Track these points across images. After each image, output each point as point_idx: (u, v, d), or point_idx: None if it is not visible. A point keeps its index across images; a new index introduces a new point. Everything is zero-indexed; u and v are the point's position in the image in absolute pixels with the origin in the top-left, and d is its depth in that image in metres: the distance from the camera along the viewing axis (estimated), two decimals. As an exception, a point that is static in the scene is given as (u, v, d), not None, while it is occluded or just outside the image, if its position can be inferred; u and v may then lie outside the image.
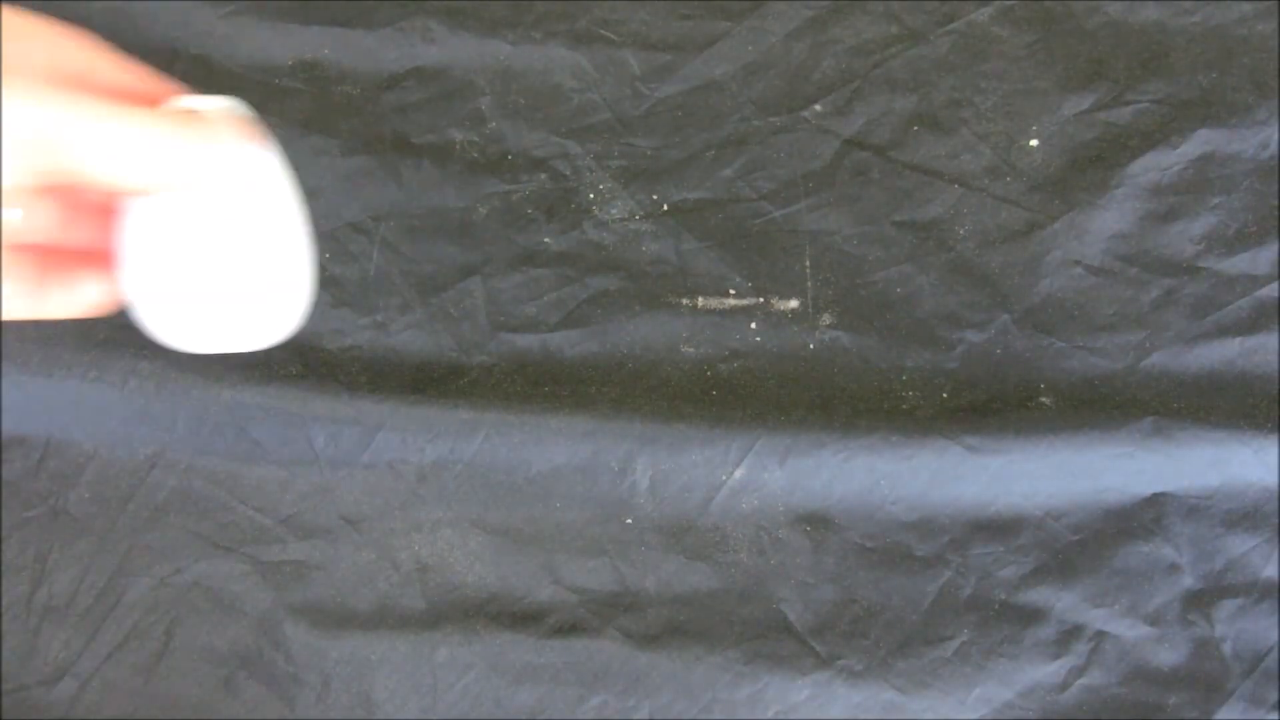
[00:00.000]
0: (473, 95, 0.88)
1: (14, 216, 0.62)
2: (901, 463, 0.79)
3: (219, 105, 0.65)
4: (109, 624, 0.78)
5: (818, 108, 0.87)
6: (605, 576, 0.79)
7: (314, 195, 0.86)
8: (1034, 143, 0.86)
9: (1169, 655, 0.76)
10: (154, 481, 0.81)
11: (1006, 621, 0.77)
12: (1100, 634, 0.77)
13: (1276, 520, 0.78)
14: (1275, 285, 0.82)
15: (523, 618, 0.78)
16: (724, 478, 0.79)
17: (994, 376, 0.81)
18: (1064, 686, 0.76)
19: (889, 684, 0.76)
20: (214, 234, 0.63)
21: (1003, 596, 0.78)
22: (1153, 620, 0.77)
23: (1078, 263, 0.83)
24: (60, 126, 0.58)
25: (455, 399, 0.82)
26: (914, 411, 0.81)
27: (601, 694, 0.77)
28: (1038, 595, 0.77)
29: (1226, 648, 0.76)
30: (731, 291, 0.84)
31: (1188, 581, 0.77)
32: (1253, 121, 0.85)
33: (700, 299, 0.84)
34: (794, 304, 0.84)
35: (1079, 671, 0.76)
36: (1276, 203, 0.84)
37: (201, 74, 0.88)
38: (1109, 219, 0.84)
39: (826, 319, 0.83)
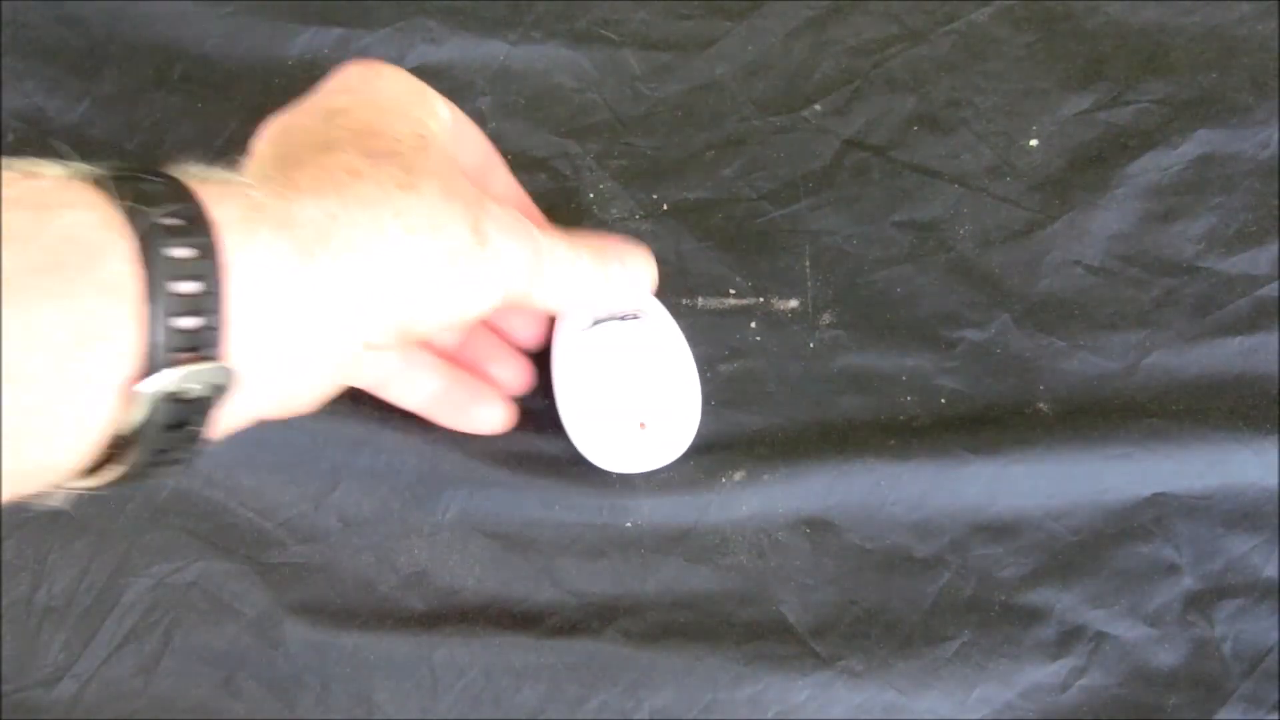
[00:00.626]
0: (472, 95, 0.88)
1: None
2: (901, 464, 0.79)
3: (627, 246, 0.75)
4: (109, 624, 0.78)
5: (818, 107, 0.87)
6: (605, 579, 0.79)
7: (313, 195, 0.86)
8: (1034, 142, 0.86)
9: (1169, 656, 0.77)
10: (153, 483, 0.81)
11: (1007, 622, 0.77)
12: (1100, 635, 0.77)
13: (1276, 520, 0.78)
14: (1275, 285, 0.82)
15: (522, 619, 0.78)
16: (723, 480, 0.79)
17: (994, 376, 0.81)
18: (1064, 687, 0.76)
19: (890, 685, 0.76)
20: (631, 364, 0.77)
21: (1003, 597, 0.78)
22: (1153, 621, 0.77)
23: (1078, 262, 0.83)
24: (534, 265, 0.63)
25: (455, 399, 0.82)
26: (914, 412, 0.81)
27: (601, 694, 0.77)
28: (1038, 596, 0.77)
29: (1226, 648, 0.77)
30: (731, 291, 0.84)
31: (1188, 582, 0.77)
32: (1253, 121, 0.85)
33: (700, 299, 0.84)
34: (794, 304, 0.84)
35: (1079, 672, 0.76)
36: (1276, 202, 0.84)
37: (201, 74, 0.88)
38: (1109, 219, 0.84)
39: (826, 319, 0.83)
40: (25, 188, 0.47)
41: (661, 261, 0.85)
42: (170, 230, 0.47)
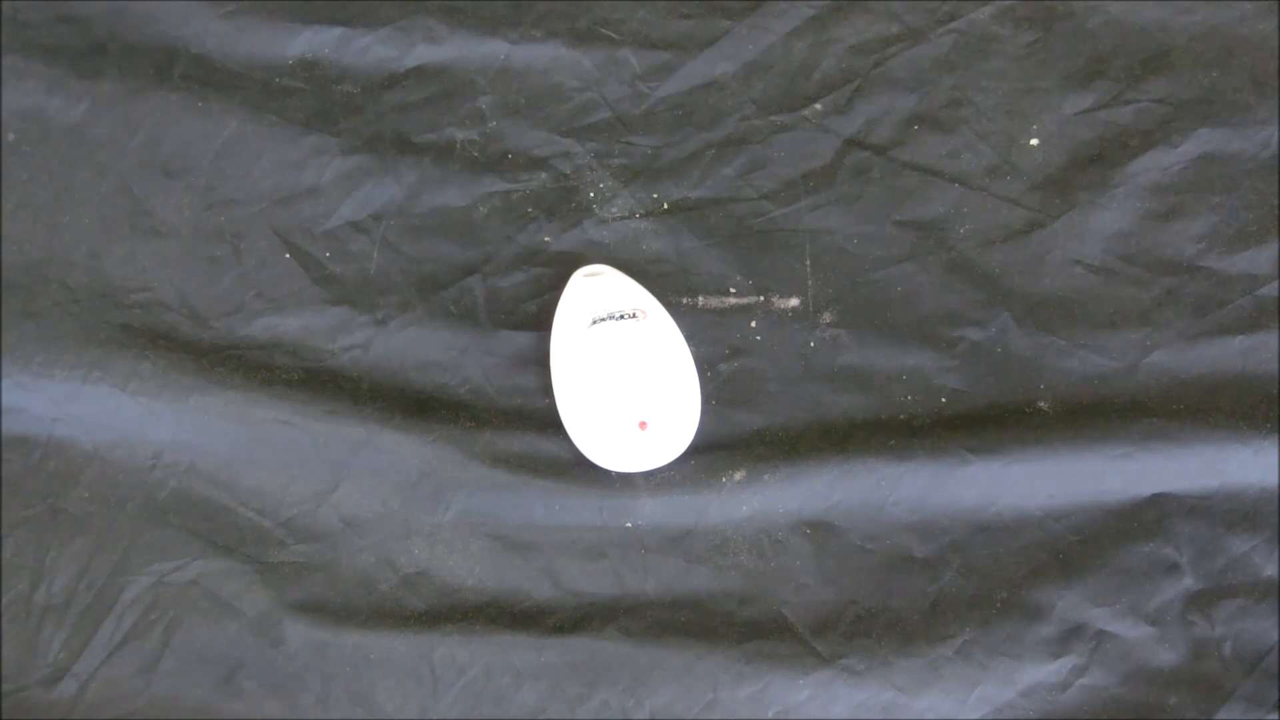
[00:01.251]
0: (473, 94, 0.88)
1: None
2: (902, 464, 0.79)
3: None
4: (108, 623, 0.78)
5: (818, 107, 0.87)
6: (605, 579, 0.79)
7: (314, 194, 0.86)
8: (1034, 142, 0.86)
9: (1169, 655, 0.77)
10: (154, 482, 0.81)
11: (1008, 621, 0.77)
12: (1101, 633, 0.77)
13: (1277, 520, 0.78)
14: (1276, 284, 0.82)
15: (522, 618, 0.78)
16: (724, 479, 0.79)
17: (995, 375, 0.81)
18: (1065, 686, 0.76)
19: (890, 684, 0.76)
20: (631, 364, 0.78)
21: (1004, 596, 0.78)
22: (1153, 620, 0.77)
23: (1078, 262, 0.83)
24: None
25: (456, 405, 0.82)
26: (915, 411, 0.81)
27: (602, 693, 0.77)
28: (1039, 595, 0.77)
29: (1226, 648, 0.77)
30: (732, 290, 0.84)
31: (1188, 581, 0.77)
32: (1253, 121, 0.85)
33: (701, 297, 0.84)
34: (794, 302, 0.84)
35: (1080, 671, 0.76)
36: (1277, 202, 0.84)
37: (201, 73, 0.88)
38: (1109, 218, 0.84)
39: (827, 317, 0.83)
40: None
41: (662, 260, 0.86)
42: None
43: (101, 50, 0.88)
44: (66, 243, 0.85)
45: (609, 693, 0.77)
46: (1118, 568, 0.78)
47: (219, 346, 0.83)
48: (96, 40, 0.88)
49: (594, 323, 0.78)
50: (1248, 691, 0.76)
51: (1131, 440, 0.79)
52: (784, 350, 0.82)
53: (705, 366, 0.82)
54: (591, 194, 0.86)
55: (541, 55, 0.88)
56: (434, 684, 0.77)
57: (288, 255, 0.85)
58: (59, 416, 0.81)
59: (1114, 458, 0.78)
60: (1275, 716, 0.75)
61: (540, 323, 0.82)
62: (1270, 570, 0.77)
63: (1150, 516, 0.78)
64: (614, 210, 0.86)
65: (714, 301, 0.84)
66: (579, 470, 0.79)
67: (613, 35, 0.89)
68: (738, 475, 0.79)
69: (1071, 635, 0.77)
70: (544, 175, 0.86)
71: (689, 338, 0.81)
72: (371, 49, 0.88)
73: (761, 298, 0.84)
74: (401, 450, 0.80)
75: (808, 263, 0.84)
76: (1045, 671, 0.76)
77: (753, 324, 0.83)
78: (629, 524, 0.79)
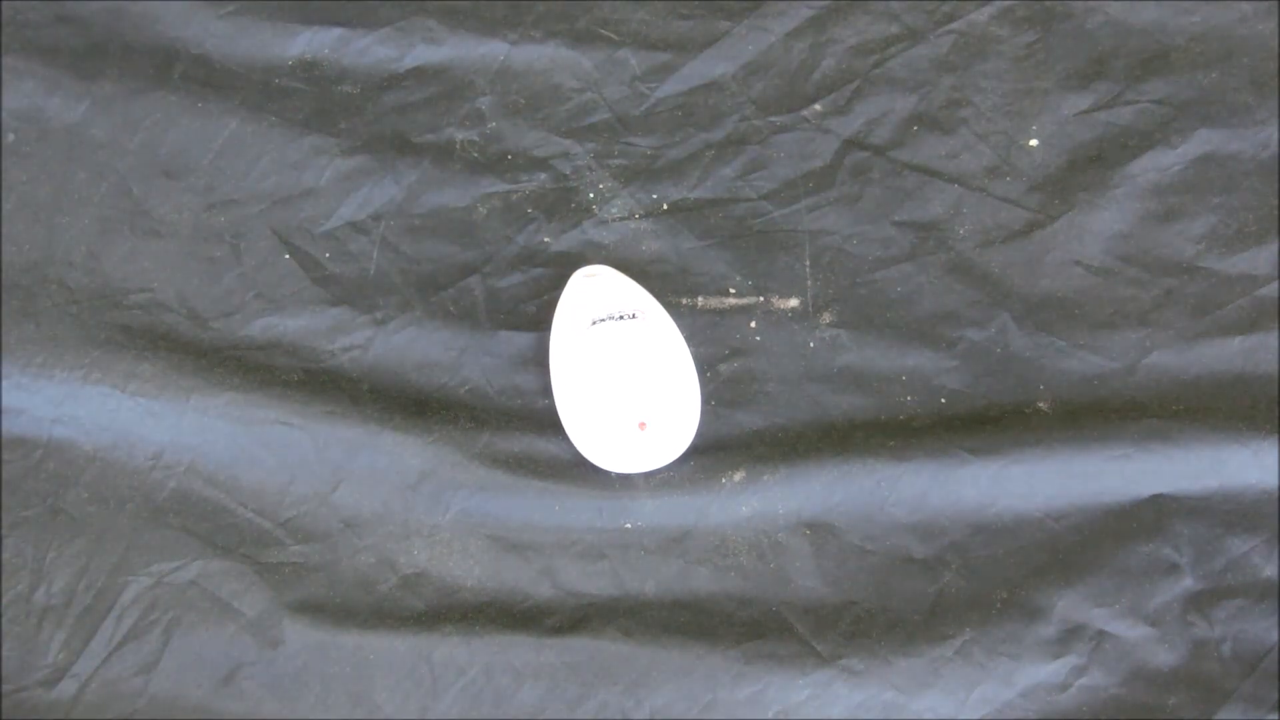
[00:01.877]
0: (473, 95, 0.88)
1: None
2: (901, 464, 0.79)
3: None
4: (108, 623, 0.78)
5: (818, 107, 0.87)
6: (605, 579, 0.79)
7: (313, 194, 0.86)
8: (1034, 142, 0.86)
9: (1169, 655, 0.76)
10: (153, 483, 0.81)
11: (1008, 621, 0.77)
12: (1101, 633, 0.77)
13: (1276, 520, 0.78)
14: (1275, 285, 0.82)
15: (522, 618, 0.78)
16: (723, 480, 0.79)
17: (994, 376, 0.81)
18: (1064, 686, 0.76)
19: (890, 684, 0.76)
20: (631, 364, 0.78)
21: (1004, 596, 0.78)
22: (1153, 620, 0.77)
23: (1078, 262, 0.83)
24: None
25: (455, 405, 0.82)
26: (914, 411, 0.81)
27: (601, 694, 0.77)
28: (1039, 595, 0.77)
29: (1226, 648, 0.76)
30: (732, 290, 0.84)
31: (1188, 582, 0.77)
32: (1252, 121, 0.85)
33: (700, 298, 0.84)
34: (794, 303, 0.84)
35: (1080, 671, 0.76)
36: (1277, 202, 0.84)
37: (201, 73, 0.88)
38: (1109, 219, 0.84)
39: (827, 318, 0.83)
40: None
41: (661, 261, 0.86)
42: None
43: (101, 51, 0.88)
44: (66, 243, 0.85)
45: (608, 693, 0.77)
46: (1117, 568, 0.78)
47: (219, 347, 0.83)
48: (96, 40, 0.88)
49: (594, 323, 0.78)
50: (1247, 692, 0.76)
51: (1131, 440, 0.79)
52: (784, 351, 0.82)
53: (705, 367, 0.82)
54: (591, 194, 0.86)
55: (541, 56, 0.88)
56: (433, 684, 0.77)
57: (287, 256, 0.85)
58: (59, 417, 0.81)
59: (1114, 458, 0.78)
60: (1275, 717, 0.75)
61: (540, 323, 0.82)
62: (1270, 570, 0.77)
63: (1150, 517, 0.78)
64: (613, 211, 0.86)
65: (714, 302, 0.84)
66: (579, 470, 0.79)
67: (612, 36, 0.89)
68: (737, 476, 0.79)
69: (1071, 635, 0.77)
70: (543, 176, 0.86)
71: (689, 338, 0.81)
72: (371, 50, 0.88)
73: (761, 298, 0.84)
74: (401, 450, 0.80)
75: (807, 263, 0.84)
76: (1045, 672, 0.76)
77: (752, 324, 0.83)
78: (629, 524, 0.79)
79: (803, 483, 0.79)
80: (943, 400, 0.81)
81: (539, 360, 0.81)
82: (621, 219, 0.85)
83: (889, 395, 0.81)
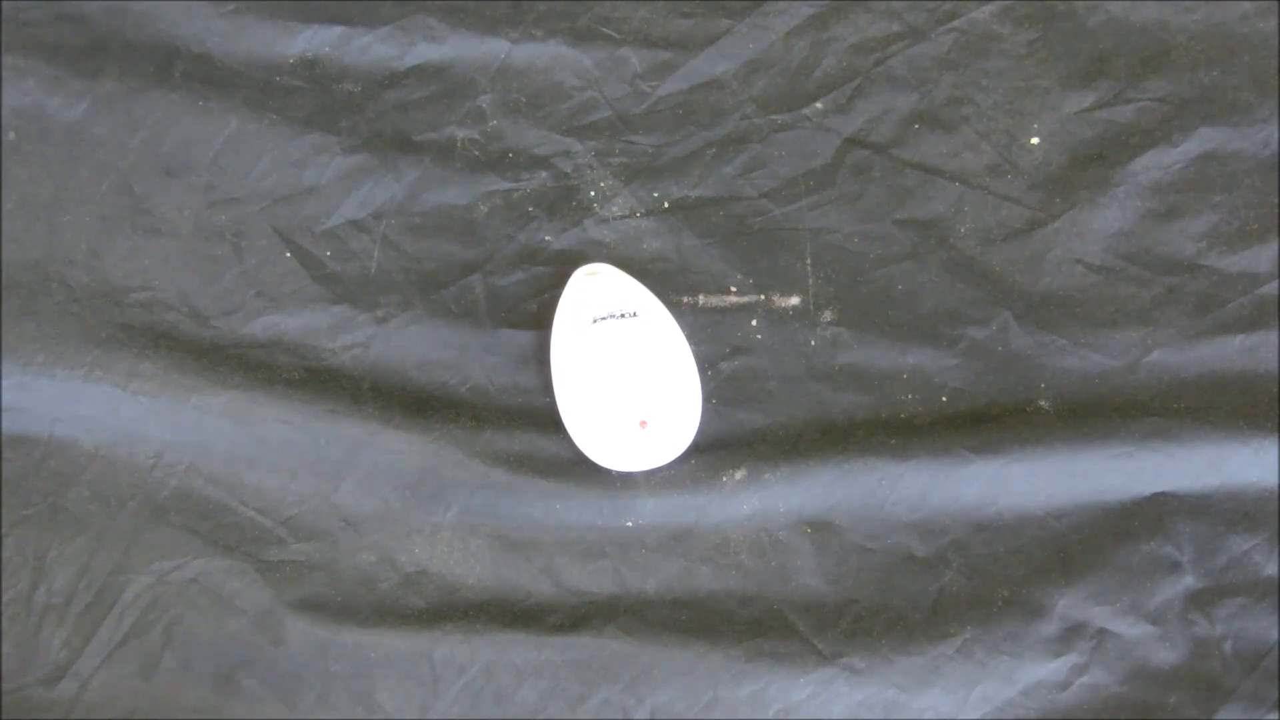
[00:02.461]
0: (474, 93, 0.88)
1: None
2: (902, 463, 0.79)
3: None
4: (109, 622, 0.78)
5: (819, 105, 0.87)
6: (606, 578, 0.79)
7: (315, 193, 0.86)
8: (1035, 140, 0.86)
9: (1170, 654, 0.76)
10: (155, 481, 0.81)
11: (1009, 619, 0.77)
12: (1102, 632, 0.77)
13: (1277, 519, 0.78)
14: (1276, 283, 0.82)
15: (523, 617, 0.78)
16: (724, 478, 0.79)
17: (995, 374, 0.81)
18: (1065, 685, 0.76)
19: (891, 682, 0.76)
20: (631, 363, 0.78)
21: (1005, 594, 0.78)
22: (1154, 619, 0.77)
23: (1079, 260, 0.83)
24: None
25: (456, 404, 0.82)
26: (915, 410, 0.81)
27: (602, 692, 0.77)
28: (1040, 594, 0.77)
29: (1227, 647, 0.76)
30: (733, 289, 0.84)
31: (1189, 580, 0.77)
32: (1254, 119, 0.85)
33: (701, 296, 0.84)
34: (795, 301, 0.84)
35: (1080, 670, 0.76)
36: (1277, 200, 0.84)
37: (203, 72, 0.88)
38: (1110, 217, 0.84)
39: (828, 316, 0.83)
40: None
41: (662, 259, 0.86)
42: None
43: (102, 49, 0.88)
44: (67, 241, 0.85)
45: (609, 691, 0.77)
46: (1118, 566, 0.78)
47: (220, 345, 0.83)
48: (97, 39, 0.88)
49: (595, 321, 0.78)
50: (1248, 691, 0.76)
51: (1132, 439, 0.79)
52: (785, 349, 0.82)
53: (706, 365, 0.82)
54: (592, 193, 0.86)
55: (542, 54, 0.88)
56: (434, 683, 0.77)
57: (288, 254, 0.85)
58: (59, 416, 0.81)
59: (1115, 456, 0.78)
60: (1275, 716, 0.75)
61: (541, 321, 0.82)
62: (1270, 569, 0.77)
63: (1150, 515, 0.78)
64: (614, 209, 0.86)
65: (715, 300, 0.84)
66: (579, 469, 0.79)
67: (613, 34, 0.89)
68: (738, 474, 0.79)
69: (1072, 634, 0.77)
70: (545, 174, 0.86)
71: (689, 336, 0.81)
72: (372, 48, 0.88)
73: (762, 296, 0.84)
74: (402, 449, 0.80)
75: (808, 261, 0.84)
76: (1046, 670, 0.76)
77: (753, 323, 0.83)
78: (629, 523, 0.79)
79: (804, 481, 0.79)
80: (944, 399, 0.81)
81: (540, 358, 0.81)
82: (622, 217, 0.85)
83: (890, 393, 0.81)
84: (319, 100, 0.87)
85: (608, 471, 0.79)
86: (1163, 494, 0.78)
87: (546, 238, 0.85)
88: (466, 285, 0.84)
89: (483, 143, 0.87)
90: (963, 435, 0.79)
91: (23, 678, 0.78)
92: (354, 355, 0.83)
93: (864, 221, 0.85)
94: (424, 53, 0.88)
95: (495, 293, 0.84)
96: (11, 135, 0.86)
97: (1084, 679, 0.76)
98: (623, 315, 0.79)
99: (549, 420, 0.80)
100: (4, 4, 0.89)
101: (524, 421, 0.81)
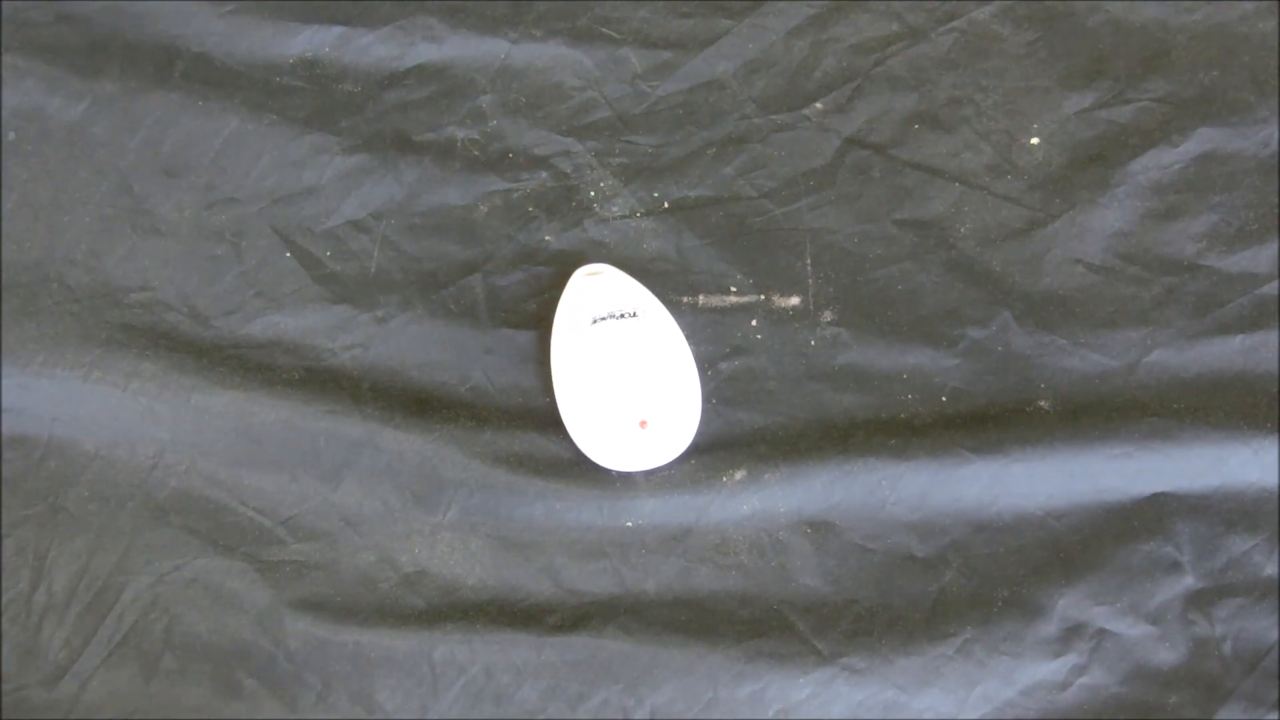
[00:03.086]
0: (474, 93, 0.88)
1: None
2: (902, 463, 0.79)
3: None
4: (109, 622, 0.78)
5: (819, 106, 0.87)
6: (605, 578, 0.79)
7: (314, 193, 0.86)
8: (1035, 141, 0.86)
9: (1170, 654, 0.77)
10: (155, 482, 0.81)
11: (1008, 619, 0.77)
12: (1102, 632, 0.77)
13: (1277, 520, 0.78)
14: (1276, 283, 0.82)
15: (523, 617, 0.78)
16: (724, 479, 0.79)
17: (995, 374, 0.81)
18: (1065, 685, 0.76)
19: (891, 682, 0.76)
20: (631, 363, 0.78)
21: (1005, 595, 0.78)
22: (1154, 619, 0.77)
23: (1079, 260, 0.83)
24: None
25: (456, 404, 0.82)
26: (915, 410, 0.81)
27: (602, 692, 0.77)
28: (1039, 594, 0.77)
29: (1227, 647, 0.77)
30: (733, 289, 0.84)
31: (1189, 580, 0.77)
32: (1254, 120, 0.85)
33: (701, 296, 0.84)
34: (795, 301, 0.84)
35: (1080, 670, 0.76)
36: (1277, 201, 0.84)
37: (202, 72, 0.88)
38: (1110, 217, 0.84)
39: (828, 316, 0.83)
40: None
41: (662, 259, 0.86)
42: None
43: (102, 49, 0.88)
44: (67, 242, 0.85)
45: (609, 691, 0.77)
46: (1118, 567, 0.78)
47: (219, 346, 0.83)
48: (97, 39, 0.88)
49: (594, 321, 0.78)
50: (1248, 691, 0.76)
51: (1132, 439, 0.79)
52: (784, 349, 0.82)
53: (706, 365, 0.82)
54: (592, 193, 0.86)
55: (542, 54, 0.88)
56: (434, 682, 0.77)
57: (288, 254, 0.85)
58: (59, 416, 0.81)
59: (1115, 456, 0.78)
60: (1275, 716, 0.75)
61: (541, 321, 0.82)
62: (1270, 569, 0.77)
63: (1151, 515, 0.78)
64: (614, 209, 0.86)
65: (714, 300, 0.84)
66: (579, 469, 0.79)
67: (613, 34, 0.89)
68: (738, 474, 0.79)
69: (1072, 634, 0.77)
70: (544, 174, 0.86)
71: (689, 336, 0.81)
72: (372, 48, 0.88)
73: (762, 296, 0.84)
74: (402, 449, 0.80)
75: (808, 261, 0.84)
76: (1046, 670, 0.76)
77: (753, 323, 0.83)
78: (629, 523, 0.79)
79: (804, 481, 0.79)
80: (944, 399, 0.81)
81: (540, 358, 0.81)
82: (622, 217, 0.85)
83: (890, 394, 0.81)
84: (319, 100, 0.87)
85: (608, 471, 0.79)
86: (1163, 494, 0.78)
87: (546, 238, 0.85)
88: (466, 285, 0.84)
89: (482, 143, 0.87)
90: (963, 435, 0.79)
91: (23, 678, 0.78)
92: (354, 355, 0.83)
93: (864, 221, 0.85)
94: (424, 53, 0.88)
95: (495, 293, 0.84)
96: (11, 135, 0.86)
97: (1084, 679, 0.76)
98: (623, 315, 0.79)
99: (549, 420, 0.80)
100: (4, 4, 0.89)
101: (524, 421, 0.81)
